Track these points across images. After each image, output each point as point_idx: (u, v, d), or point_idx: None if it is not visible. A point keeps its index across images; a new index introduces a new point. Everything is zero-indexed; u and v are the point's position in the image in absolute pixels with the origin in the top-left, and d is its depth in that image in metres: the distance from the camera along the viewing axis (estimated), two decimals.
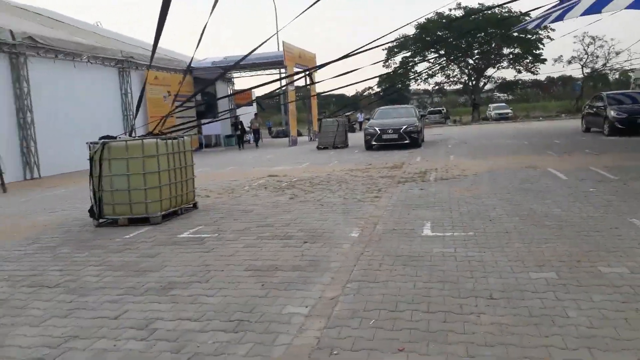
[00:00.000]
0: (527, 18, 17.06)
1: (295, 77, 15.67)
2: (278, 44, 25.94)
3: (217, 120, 22.80)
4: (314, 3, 6.19)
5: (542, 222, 5.49)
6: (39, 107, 14.31)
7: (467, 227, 5.47)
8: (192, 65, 24.04)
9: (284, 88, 22.12)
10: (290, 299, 3.67)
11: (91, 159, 6.70)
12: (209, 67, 23.26)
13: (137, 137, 6.95)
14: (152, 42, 6.03)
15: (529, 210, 6.16)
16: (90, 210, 6.85)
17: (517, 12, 34.71)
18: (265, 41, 10.75)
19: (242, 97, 26.10)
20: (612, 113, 16.61)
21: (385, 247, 4.89)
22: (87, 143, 6.81)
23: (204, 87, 22.63)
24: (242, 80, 30.12)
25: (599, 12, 11.99)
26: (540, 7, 11.51)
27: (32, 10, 19.71)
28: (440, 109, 47.63)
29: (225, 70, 21.44)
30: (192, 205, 7.54)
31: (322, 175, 10.92)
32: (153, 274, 4.49)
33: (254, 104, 26.28)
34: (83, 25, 21.40)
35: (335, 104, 59.88)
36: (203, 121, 21.67)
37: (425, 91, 61.39)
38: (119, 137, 6.88)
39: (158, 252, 5.22)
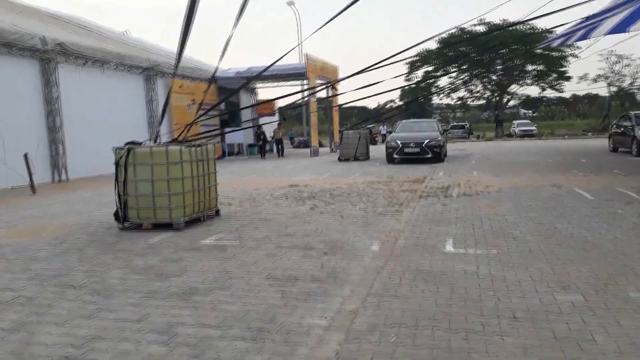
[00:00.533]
0: (550, 35, 16.92)
1: (318, 88, 15.81)
2: (301, 55, 26.17)
3: (240, 130, 23.08)
4: (337, 15, 6.26)
5: (567, 243, 5.39)
6: (68, 112, 14.67)
7: (490, 245, 5.40)
8: (216, 74, 24.45)
9: (306, 99, 22.34)
10: (310, 310, 3.67)
11: (117, 164, 6.82)
12: (233, 77, 23.56)
13: (161, 144, 7.06)
14: (177, 50, 6.15)
15: (553, 229, 6.05)
16: (116, 214, 6.97)
17: (541, 29, 34.43)
18: (288, 52, 10.92)
19: (265, 107, 26.37)
20: None
21: (406, 261, 4.86)
22: (112, 148, 6.94)
23: (228, 95, 22.89)
24: (265, 91, 30.50)
25: (625, 31, 11.84)
26: (564, 24, 11.42)
27: (63, 18, 20.24)
28: (464, 124, 47.34)
29: (248, 80, 21.73)
30: (214, 212, 7.61)
31: (343, 186, 10.91)
32: (175, 279, 4.53)
33: (276, 115, 26.46)
34: (111, 34, 21.87)
35: (357, 116, 60.03)
36: (226, 130, 21.96)
37: (448, 106, 61.16)
38: (144, 143, 7.00)
39: (180, 258, 5.28)
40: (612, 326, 3.21)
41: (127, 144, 6.90)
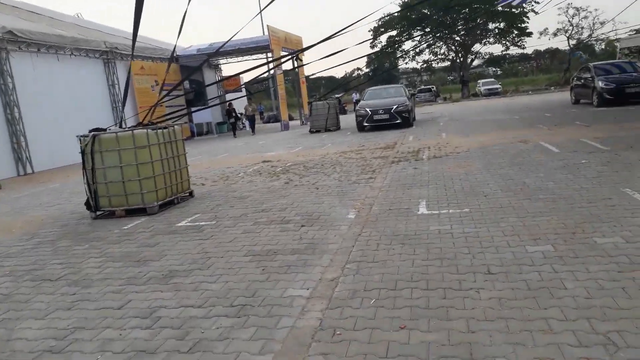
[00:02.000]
0: None
1: (282, 60, 15.61)
2: (263, 28, 25.73)
3: (206, 108, 22.66)
4: None
5: (535, 196, 5.55)
6: (26, 102, 14.16)
7: (462, 204, 5.52)
8: (177, 53, 23.90)
9: (271, 72, 22.01)
10: (291, 282, 3.72)
11: (83, 152, 6.66)
12: (195, 55, 23.06)
13: (127, 128, 6.91)
14: (132, 31, 5.96)
15: (522, 184, 6.22)
16: (87, 203, 6.85)
17: None
18: (246, 24, 10.70)
19: (231, 83, 25.96)
20: (600, 84, 16.66)
21: (382, 227, 4.94)
22: (77, 136, 6.77)
23: (189, 74, 22.39)
24: (229, 67, 29.96)
25: None
26: None
27: (10, 4, 19.31)
28: (430, 87, 47.63)
29: (209, 56, 21.27)
30: (188, 194, 7.55)
31: (315, 158, 10.93)
32: (154, 263, 4.51)
33: (243, 90, 26.08)
34: (63, 17, 21.03)
35: (325, 86, 59.66)
36: (193, 109, 21.57)
37: (414, 70, 61.21)
38: (109, 129, 6.84)
39: (157, 242, 5.24)
40: (581, 272, 3.36)
41: (91, 131, 6.73)
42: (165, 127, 7.09)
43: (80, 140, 6.70)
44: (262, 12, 27.09)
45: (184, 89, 23.56)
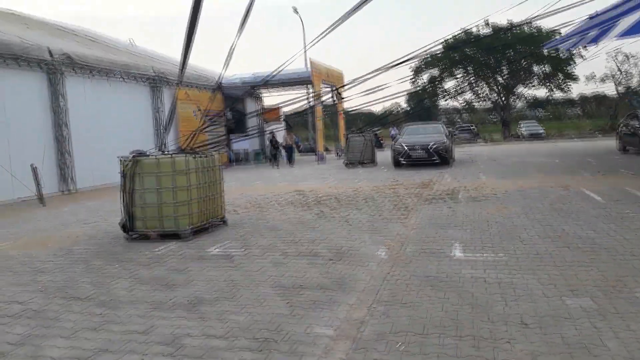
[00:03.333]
0: (556, 36, 16.86)
1: (322, 96, 15.86)
2: (306, 61, 26.24)
3: (247, 138, 23.07)
4: (340, 22, 6.25)
5: (575, 245, 5.33)
6: (75, 122, 14.78)
7: (497, 249, 5.36)
8: (221, 82, 24.58)
9: (311, 105, 22.31)
10: (316, 318, 3.65)
11: (123, 174, 6.85)
12: (238, 84, 23.65)
13: (167, 153, 7.08)
14: (180, 59, 6.18)
15: (561, 232, 6.00)
16: (122, 224, 6.99)
17: (545, 30, 34.33)
18: (291, 58, 10.98)
19: (271, 114, 26.45)
20: None
21: (413, 267, 4.83)
22: (118, 158, 6.97)
23: (232, 105, 22.90)
24: (270, 98, 30.47)
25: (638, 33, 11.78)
26: (568, 23, 11.32)
27: (69, 30, 20.46)
28: (470, 126, 47.16)
29: (251, 87, 21.78)
30: (221, 221, 7.62)
31: (349, 192, 10.90)
32: (181, 289, 4.53)
33: (282, 122, 26.45)
34: (117, 44, 22.06)
35: (364, 120, 60.01)
36: (233, 138, 22.02)
37: (455, 108, 60.96)
38: (149, 152, 7.02)
39: (186, 267, 5.28)
40: (622, 330, 3.17)
41: (132, 153, 6.93)
42: (204, 154, 7.23)
43: (121, 161, 6.90)
44: (305, 48, 27.71)
45: (225, 117, 24.15)
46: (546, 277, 4.31)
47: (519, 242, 5.59)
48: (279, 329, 3.49)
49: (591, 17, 10.68)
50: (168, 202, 6.70)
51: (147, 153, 7.02)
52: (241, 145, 25.13)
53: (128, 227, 6.90)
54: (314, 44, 6.80)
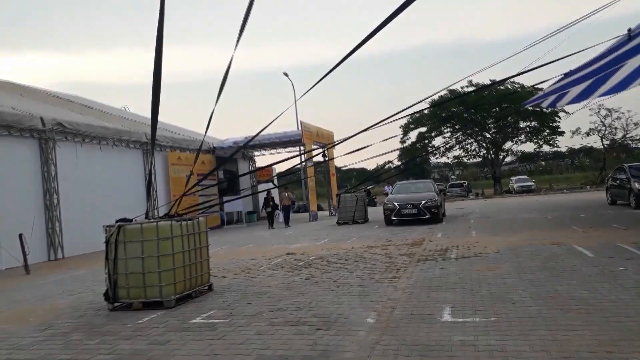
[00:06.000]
0: (538, 92, 17.36)
1: (314, 153, 16.05)
2: (297, 123, 26.74)
3: (240, 198, 22.99)
4: (325, 76, 6.38)
5: (568, 306, 5.21)
6: (65, 189, 14.74)
7: (488, 312, 5.22)
8: (214, 145, 24.92)
9: (303, 164, 22.50)
10: None
11: (107, 242, 6.74)
12: (231, 147, 23.93)
13: (152, 219, 7.01)
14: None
15: (553, 292, 5.88)
16: (105, 294, 6.81)
17: (528, 87, 35.40)
18: (277, 117, 11.15)
19: (263, 174, 26.64)
20: (636, 185, 16.28)
21: (402, 334, 4.67)
22: (103, 226, 6.89)
23: (220, 165, 22.90)
24: (263, 159, 30.82)
25: (620, 91, 12.20)
26: (545, 81, 11.71)
27: (65, 98, 20.89)
28: (462, 182, 47.62)
29: (239, 148, 21.89)
30: (207, 287, 7.44)
31: (340, 252, 10.76)
32: None
33: (275, 180, 26.53)
34: (111, 110, 22.48)
35: (357, 177, 60.42)
36: (225, 199, 21.97)
37: (446, 164, 61.74)
38: (135, 220, 6.95)
39: (168, 339, 5.08)
40: None
41: (118, 221, 6.85)
42: (190, 219, 7.16)
43: (105, 230, 6.81)
44: (297, 109, 28.33)
45: (217, 178, 24.24)
46: (538, 343, 4.17)
47: (511, 304, 5.46)
48: None
49: (566, 75, 11.04)
50: (152, 270, 6.55)
51: (133, 220, 6.95)
52: (234, 206, 25.06)
53: (111, 296, 6.71)
54: (301, 98, 7.09)
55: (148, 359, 4.50)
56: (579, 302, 5.33)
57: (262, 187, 25.62)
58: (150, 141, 7.12)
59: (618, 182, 18.15)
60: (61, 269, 11.89)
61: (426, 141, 46.36)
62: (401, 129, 46.29)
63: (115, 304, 6.73)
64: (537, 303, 5.44)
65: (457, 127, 45.59)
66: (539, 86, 15.83)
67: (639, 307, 5.00)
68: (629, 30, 8.71)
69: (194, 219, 7.24)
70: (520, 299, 5.66)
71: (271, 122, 8.00)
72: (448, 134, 46.46)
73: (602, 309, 5.04)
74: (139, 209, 15.52)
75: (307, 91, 7.11)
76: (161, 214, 7.75)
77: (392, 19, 4.93)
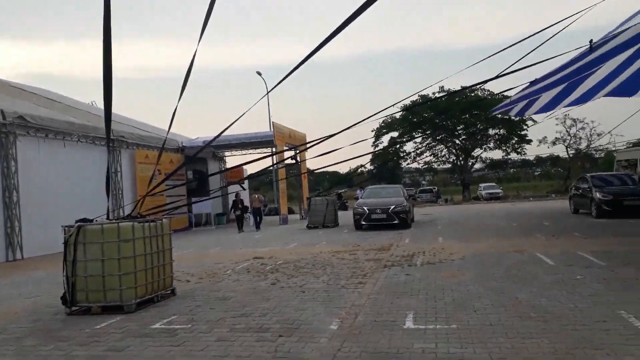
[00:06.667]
0: (505, 99, 17.76)
1: (286, 155, 15.95)
2: (270, 124, 26.63)
3: (209, 199, 22.59)
4: (296, 68, 6.24)
5: (527, 314, 5.30)
6: (26, 186, 14.24)
7: (450, 319, 5.26)
8: (184, 144, 24.55)
9: (275, 167, 22.30)
10: None
11: (66, 243, 6.54)
12: (201, 146, 23.57)
13: (114, 220, 6.83)
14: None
15: (514, 299, 5.98)
16: (63, 297, 6.59)
17: (497, 94, 36.15)
18: (245, 112, 10.95)
19: (233, 174, 26.31)
20: (597, 195, 16.76)
21: (364, 341, 4.67)
22: (62, 226, 6.67)
23: (185, 162, 22.44)
24: (234, 159, 30.52)
25: (585, 102, 12.56)
26: (511, 88, 11.95)
27: (29, 90, 20.17)
28: (432, 188, 48.23)
29: (208, 143, 21.50)
30: (170, 292, 7.29)
31: (308, 257, 10.72)
32: None
33: (245, 182, 26.21)
34: (77, 105, 21.83)
35: (329, 181, 60.55)
36: (194, 199, 21.62)
37: (417, 169, 62.45)
38: (96, 220, 6.76)
39: (127, 345, 4.95)
40: None
41: (78, 221, 6.65)
42: (153, 220, 7.01)
43: (64, 230, 6.60)
44: (269, 110, 28.18)
45: (186, 178, 23.84)
46: (497, 350, 4.22)
47: (472, 312, 5.52)
48: None
49: (532, 83, 11.28)
50: (112, 273, 6.38)
51: (94, 220, 6.76)
52: (203, 208, 24.69)
53: (69, 300, 6.51)
54: (271, 91, 6.94)
55: None
56: (538, 310, 5.43)
57: (232, 188, 25.33)
58: (106, 134, 6.94)
59: (580, 191, 18.64)
60: (18, 270, 11.49)
61: (398, 146, 46.81)
62: (373, 132, 46.65)
63: (73, 308, 6.53)
64: (497, 311, 5.52)
65: (427, 132, 46.20)
66: (506, 93, 16.14)
67: (595, 315, 5.13)
68: (590, 41, 8.95)
69: (157, 221, 7.09)
70: (481, 307, 5.73)
71: (240, 117, 7.81)
72: (419, 139, 47.03)
73: (559, 316, 5.15)
74: (105, 208, 15.19)
75: (276, 85, 6.94)
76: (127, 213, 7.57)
77: (357, 17, 4.89)
